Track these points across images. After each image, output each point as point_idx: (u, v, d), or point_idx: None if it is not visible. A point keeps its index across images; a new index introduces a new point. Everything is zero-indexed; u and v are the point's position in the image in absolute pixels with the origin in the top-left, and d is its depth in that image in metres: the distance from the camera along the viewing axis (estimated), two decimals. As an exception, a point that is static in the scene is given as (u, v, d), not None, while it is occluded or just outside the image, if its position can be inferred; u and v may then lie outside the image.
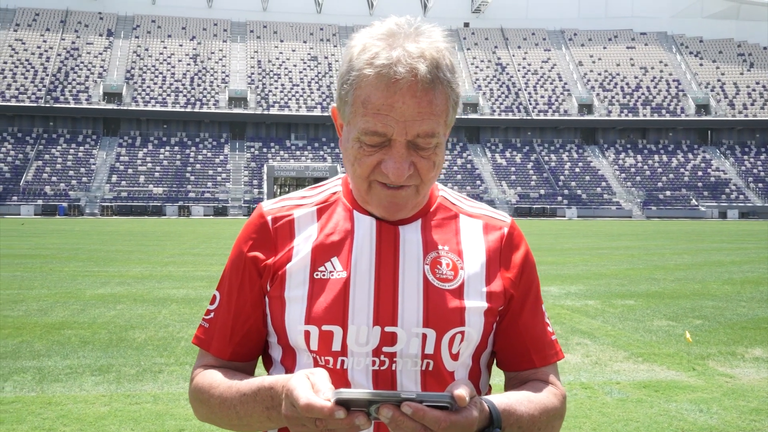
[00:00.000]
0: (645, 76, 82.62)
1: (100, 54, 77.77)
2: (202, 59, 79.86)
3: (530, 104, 78.47)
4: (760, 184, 69.71)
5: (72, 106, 70.46)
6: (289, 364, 1.37)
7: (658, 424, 4.94)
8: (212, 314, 1.44)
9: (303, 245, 1.37)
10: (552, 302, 10.68)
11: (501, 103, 78.49)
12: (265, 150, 71.75)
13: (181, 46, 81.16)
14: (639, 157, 74.69)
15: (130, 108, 71.55)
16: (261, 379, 1.29)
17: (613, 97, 79.90)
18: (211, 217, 58.59)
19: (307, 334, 1.31)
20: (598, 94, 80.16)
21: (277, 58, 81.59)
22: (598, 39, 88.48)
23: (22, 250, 19.67)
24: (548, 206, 65.15)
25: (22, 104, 69.21)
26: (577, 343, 7.69)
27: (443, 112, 1.26)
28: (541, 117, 77.15)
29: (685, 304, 10.49)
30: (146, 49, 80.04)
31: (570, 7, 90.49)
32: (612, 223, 49.31)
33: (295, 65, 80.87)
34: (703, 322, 9.02)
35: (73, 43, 78.57)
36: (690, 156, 75.00)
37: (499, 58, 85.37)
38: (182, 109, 72.60)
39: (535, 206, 64.89)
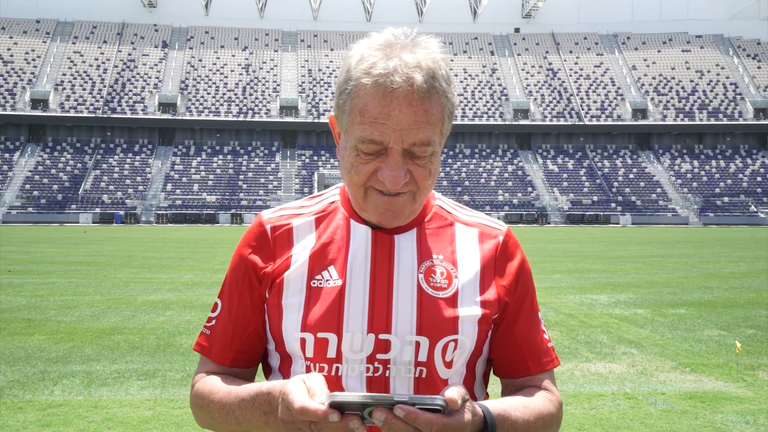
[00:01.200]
0: (701, 80, 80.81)
1: (156, 65, 79.55)
2: (254, 69, 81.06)
3: (582, 109, 77.46)
4: (823, 190, 67.47)
5: (128, 116, 72.23)
6: (286, 371, 1.40)
7: (703, 436, 4.82)
8: (213, 321, 1.47)
9: (301, 254, 1.41)
10: (600, 311, 10.51)
11: (552, 109, 77.66)
12: (315, 158, 72.39)
13: (233, 56, 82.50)
14: (695, 163, 73.05)
15: (184, 118, 73.00)
16: (259, 384, 1.31)
17: (668, 102, 78.34)
18: (263, 224, 59.22)
19: (303, 341, 1.35)
20: (652, 99, 78.70)
21: (327, 67, 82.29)
22: (652, 42, 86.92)
23: (79, 257, 20.22)
24: (601, 213, 64.13)
25: (80, 115, 71.20)
26: (623, 352, 7.56)
27: (439, 121, 1.29)
28: (594, 122, 76.04)
29: (738, 314, 10.21)
30: (200, 60, 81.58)
31: (623, 11, 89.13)
32: (667, 231, 48.29)
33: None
34: (756, 332, 8.77)
35: (130, 54, 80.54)
36: (749, 161, 73.03)
37: (550, 63, 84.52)
38: (235, 119, 73.78)
39: (588, 213, 63.96)
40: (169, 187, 65.93)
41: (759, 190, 67.90)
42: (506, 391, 1.45)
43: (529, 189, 68.25)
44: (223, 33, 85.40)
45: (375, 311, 1.35)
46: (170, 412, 5.34)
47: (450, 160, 71.65)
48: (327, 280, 1.37)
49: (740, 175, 70.64)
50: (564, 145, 76.45)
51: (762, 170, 71.26)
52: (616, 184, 69.84)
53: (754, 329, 8.99)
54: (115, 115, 71.96)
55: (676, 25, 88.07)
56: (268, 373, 1.48)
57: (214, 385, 1.40)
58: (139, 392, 5.88)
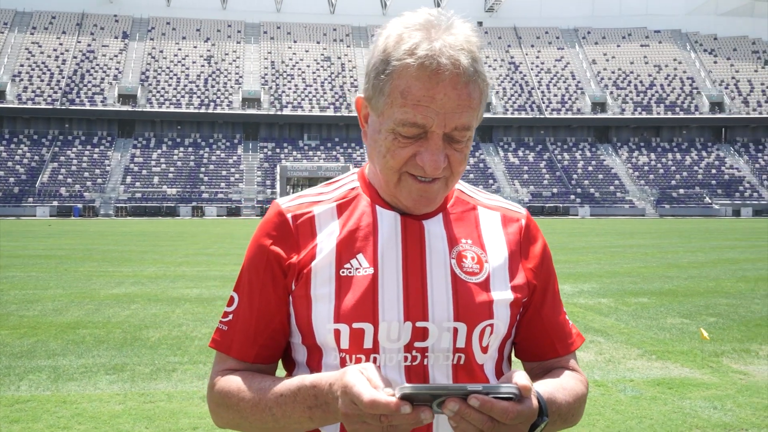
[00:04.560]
0: (659, 74, 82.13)
1: (116, 56, 78.22)
2: (216, 60, 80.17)
3: (543, 103, 78.22)
4: (776, 182, 69.17)
5: (87, 108, 70.91)
6: (315, 364, 1.34)
7: (672, 422, 4.92)
8: (230, 316, 1.39)
9: (326, 242, 1.35)
10: (565, 300, 10.64)
11: (514, 102, 78.30)
12: (278, 150, 71.94)
13: (195, 47, 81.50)
14: (652, 156, 74.28)
15: (144, 110, 71.93)
16: (300, 378, 1.25)
17: (626, 96, 79.49)
18: (224, 217, 58.81)
19: (337, 332, 1.29)
20: (611, 93, 79.77)
21: (291, 59, 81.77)
22: (611, 37, 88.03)
23: (38, 251, 19.83)
24: (561, 205, 64.91)
25: (38, 106, 69.70)
26: (591, 341, 7.67)
27: (478, 105, 1.26)
28: (554, 116, 76.87)
29: (699, 302, 10.43)
30: (161, 51, 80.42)
31: (584, 6, 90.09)
32: (625, 222, 49.06)
33: (308, 66, 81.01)
34: (717, 320, 8.97)
35: (89, 45, 79.05)
36: (704, 154, 74.48)
37: (512, 57, 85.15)
38: (196, 111, 72.90)
39: (547, 205, 64.67)
40: (128, 179, 64.95)
41: (713, 182, 69.32)
42: (532, 374, 1.42)
43: (491, 181, 68.74)
44: (184, 24, 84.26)
45: (410, 299, 1.31)
46: (141, 406, 5.28)
47: (413, 153, 71.86)
48: (357, 269, 1.33)
49: (695, 168, 72.03)
50: (525, 138, 77.16)
51: (717, 163, 72.76)
52: (575, 176, 70.73)
53: (715, 317, 9.19)
54: (73, 107, 70.55)
55: (635, 20, 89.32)
56: (291, 368, 1.42)
57: (241, 382, 1.33)
58: (108, 387, 5.80)
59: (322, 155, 70.99)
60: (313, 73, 79.98)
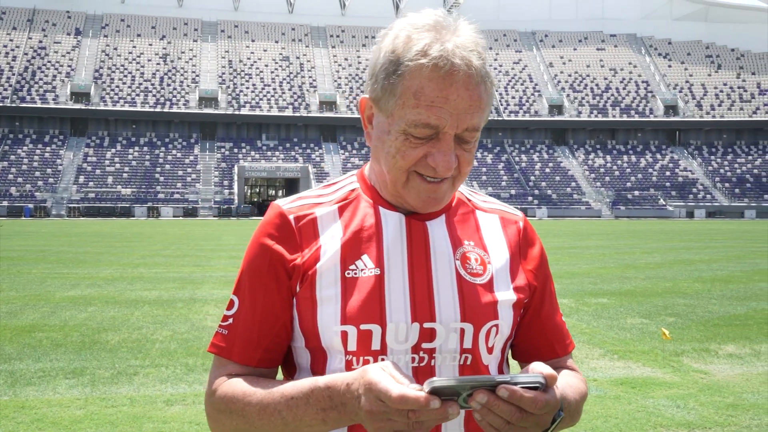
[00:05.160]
0: (614, 78, 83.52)
1: (68, 53, 76.70)
2: (172, 59, 79.13)
3: (501, 105, 78.93)
4: (727, 184, 70.83)
5: (39, 105, 69.38)
6: (319, 368, 1.32)
7: (637, 420, 4.98)
8: (231, 320, 1.36)
9: (330, 244, 1.34)
10: (527, 301, 10.72)
11: (472, 104, 78.83)
12: (235, 150, 71.28)
13: (150, 45, 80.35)
14: (608, 158, 75.49)
15: (98, 108, 70.65)
16: (312, 380, 1.22)
17: (583, 98, 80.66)
18: (181, 218, 58.06)
19: (345, 334, 1.28)
20: (568, 95, 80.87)
21: (249, 58, 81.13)
22: (568, 40, 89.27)
23: (-11, 252, 19.31)
24: (519, 206, 65.54)
25: (-13, 104, 68.03)
26: (554, 341, 7.73)
27: (487, 106, 1.27)
28: (512, 118, 77.63)
29: (658, 302, 10.60)
30: (115, 49, 79.10)
31: (541, 9, 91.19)
32: (582, 223, 49.77)
33: (266, 65, 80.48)
34: (676, 320, 9.12)
35: (41, 42, 77.39)
36: (658, 156, 75.96)
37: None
38: (151, 109, 71.85)
39: (505, 206, 65.27)
40: (81, 179, 63.71)
41: (668, 184, 70.75)
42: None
43: (450, 183, 69.14)
44: (139, 21, 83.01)
45: (417, 300, 1.30)
46: (103, 411, 5.15)
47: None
48: (362, 270, 1.31)
49: (650, 170, 73.41)
50: (483, 140, 77.74)
51: (671, 165, 74.25)
52: (533, 178, 71.54)
53: (674, 317, 9.35)
54: (24, 105, 68.94)
55: (591, 23, 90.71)
56: (292, 373, 1.39)
57: (247, 386, 1.29)
58: (68, 391, 5.65)
59: (281, 156, 70.56)
60: (272, 72, 79.49)
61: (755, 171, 73.06)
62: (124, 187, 63.30)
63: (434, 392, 1.04)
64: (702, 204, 67.11)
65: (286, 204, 1.39)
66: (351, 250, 1.33)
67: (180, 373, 6.22)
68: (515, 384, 1.05)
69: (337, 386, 1.17)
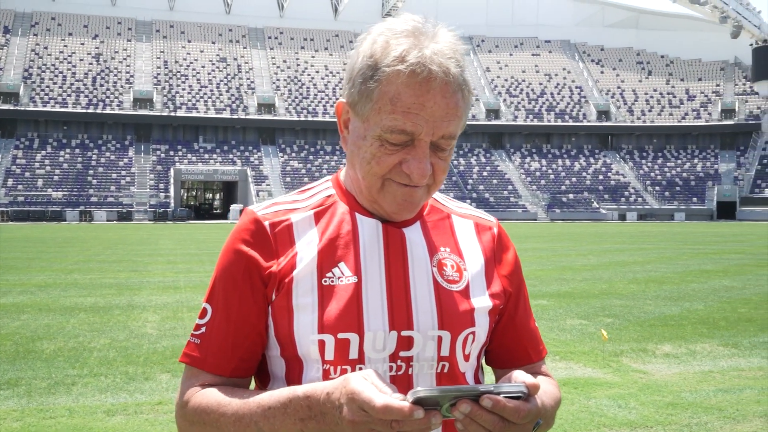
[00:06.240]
0: (549, 83, 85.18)
1: (-5, 51, 74.18)
2: (105, 59, 77.26)
3: (439, 109, 79.53)
4: (657, 187, 73.01)
5: (-36, 105, 66.87)
6: (294, 378, 1.29)
7: (581, 420, 5.07)
8: (204, 329, 1.32)
9: (306, 251, 1.32)
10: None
11: (411, 108, 79.25)
12: (171, 153, 70.00)
13: (82, 44, 78.30)
14: (543, 162, 76.92)
15: (27, 108, 68.41)
16: (290, 389, 1.20)
17: (519, 103, 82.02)
18: (115, 222, 56.68)
19: (322, 343, 1.26)
20: (504, 100, 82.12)
21: (185, 59, 79.83)
22: (504, 46, 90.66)
23: None
24: (457, 209, 66.18)
25: None
26: (497, 343, 7.83)
27: (464, 114, 1.25)
28: (450, 121, 78.27)
29: (595, 303, 10.84)
30: (45, 48, 76.80)
31: (477, 14, 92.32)
32: (519, 226, 50.56)
33: (203, 66, 79.33)
34: (614, 321, 9.34)
35: (-35, 39, 74.67)
36: (591, 160, 77.76)
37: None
38: (84, 110, 69.94)
39: (444, 209, 65.82)
40: (9, 182, 61.59)
41: (601, 187, 72.51)
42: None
43: (389, 186, 69.39)
44: (71, 20, 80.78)
45: (394, 307, 1.29)
46: (41, 422, 4.98)
47: (311, 157, 71.50)
48: (339, 278, 1.29)
49: (584, 174, 75.10)
50: (422, 143, 78.26)
51: (603, 169, 76.10)
52: (471, 181, 72.39)
53: (612, 317, 9.57)
54: (-53, 104, 66.42)
55: (527, 29, 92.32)
56: (265, 383, 1.36)
57: (221, 396, 1.25)
58: (3, 403, 5.45)
59: (218, 158, 69.63)
60: (209, 74, 78.41)
61: (684, 174, 75.50)
62: (54, 191, 61.45)
63: (417, 402, 1.03)
64: (633, 207, 68.99)
65: (260, 210, 1.36)
66: (328, 258, 1.31)
67: (120, 383, 6.06)
68: (498, 394, 1.05)
69: (316, 396, 1.14)
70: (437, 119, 1.21)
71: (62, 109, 69.35)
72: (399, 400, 1.03)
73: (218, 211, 75.54)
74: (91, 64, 76.10)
